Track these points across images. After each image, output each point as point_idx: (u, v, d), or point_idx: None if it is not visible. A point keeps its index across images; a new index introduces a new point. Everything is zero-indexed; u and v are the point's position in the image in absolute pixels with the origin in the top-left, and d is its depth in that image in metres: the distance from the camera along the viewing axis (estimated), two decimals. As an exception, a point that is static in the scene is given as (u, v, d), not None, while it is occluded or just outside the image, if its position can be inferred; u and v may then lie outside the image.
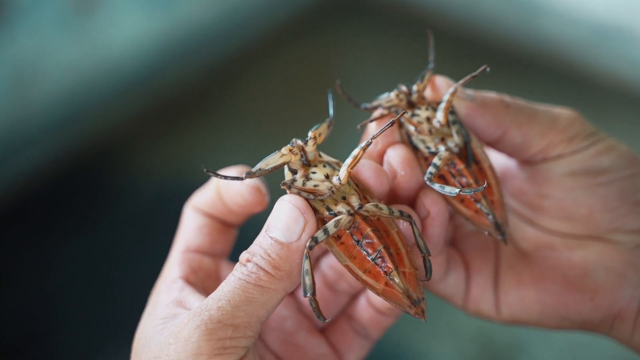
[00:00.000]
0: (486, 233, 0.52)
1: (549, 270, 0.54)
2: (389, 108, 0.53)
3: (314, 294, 0.47)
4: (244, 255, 0.48)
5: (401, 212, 0.49)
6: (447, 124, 0.52)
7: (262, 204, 0.54)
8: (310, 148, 0.50)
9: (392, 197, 0.52)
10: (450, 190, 0.49)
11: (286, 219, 0.47)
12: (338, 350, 0.56)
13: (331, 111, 0.53)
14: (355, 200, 0.49)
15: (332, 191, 0.49)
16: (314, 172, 0.49)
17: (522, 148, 0.54)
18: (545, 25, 1.46)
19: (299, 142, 0.50)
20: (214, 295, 0.47)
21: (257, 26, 1.62)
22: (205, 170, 0.49)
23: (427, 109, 0.53)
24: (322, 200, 0.49)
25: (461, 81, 0.52)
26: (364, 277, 0.48)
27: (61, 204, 1.29)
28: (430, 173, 0.51)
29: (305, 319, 0.56)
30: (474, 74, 0.51)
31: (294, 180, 0.49)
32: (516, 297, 0.55)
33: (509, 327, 1.15)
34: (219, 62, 1.55)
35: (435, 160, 0.52)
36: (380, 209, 0.49)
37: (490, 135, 0.53)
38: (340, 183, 0.49)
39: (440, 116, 0.52)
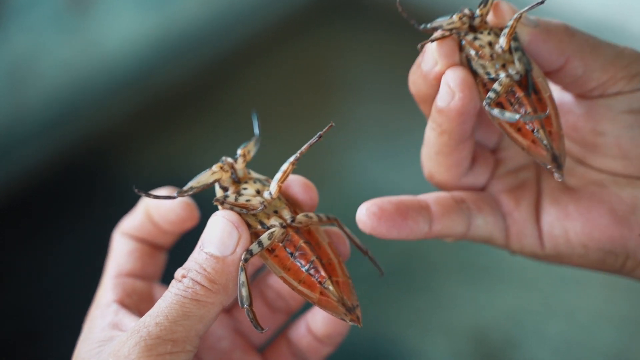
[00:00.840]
0: (545, 166, 0.51)
1: (597, 204, 0.54)
2: (450, 30, 0.51)
3: (250, 304, 0.48)
4: (179, 272, 0.48)
5: (327, 216, 0.51)
6: (510, 50, 0.51)
7: (194, 218, 0.55)
8: (240, 165, 0.51)
9: (449, 120, 0.51)
10: (511, 116, 0.49)
11: (220, 234, 0.48)
12: None
13: (256, 130, 0.54)
14: (287, 214, 0.50)
15: (264, 205, 0.50)
16: (244, 188, 0.51)
17: (582, 80, 0.52)
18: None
19: (229, 159, 0.51)
20: (152, 312, 0.47)
21: (252, 24, 1.62)
22: (136, 190, 0.49)
23: (489, 34, 0.51)
24: (254, 215, 0.50)
25: (527, 7, 0.50)
26: (300, 287, 0.49)
27: (57, 202, 1.29)
28: (490, 98, 0.50)
29: (241, 339, 0.56)
30: (539, 0, 0.50)
31: (226, 197, 0.50)
32: (561, 229, 0.54)
33: (502, 324, 1.16)
34: (214, 60, 1.55)
35: (495, 85, 0.50)
36: (310, 217, 0.50)
37: (551, 64, 0.52)
38: (271, 197, 0.50)
39: (503, 41, 0.51)
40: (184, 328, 0.46)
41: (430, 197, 0.54)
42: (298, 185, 0.52)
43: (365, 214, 0.51)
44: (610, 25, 1.48)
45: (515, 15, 0.50)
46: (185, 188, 0.50)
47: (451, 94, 0.50)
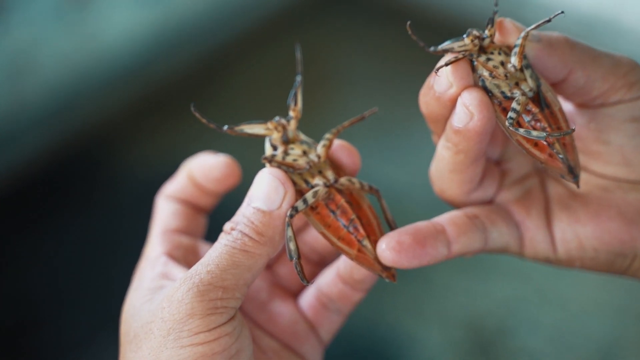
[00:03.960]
0: (562, 177, 0.52)
1: (605, 209, 0.55)
2: (462, 52, 0.52)
3: (299, 257, 0.50)
4: (227, 225, 0.51)
5: (370, 186, 0.53)
6: (521, 68, 0.52)
7: (236, 176, 0.57)
8: (292, 126, 0.54)
9: (466, 140, 0.51)
10: (539, 135, 0.50)
11: (267, 189, 0.50)
12: (310, 321, 0.58)
13: (299, 94, 0.55)
14: (330, 174, 0.53)
15: (310, 165, 0.52)
16: (292, 149, 0.53)
17: (584, 90, 0.53)
18: (531, 18, 1.48)
19: (283, 120, 0.54)
20: (203, 261, 0.49)
21: (249, 18, 1.62)
22: (192, 109, 0.52)
23: (499, 54, 0.52)
24: (300, 174, 0.52)
25: (534, 25, 0.51)
26: (339, 243, 0.52)
27: (56, 193, 1.29)
28: (511, 118, 0.51)
29: (278, 289, 0.58)
30: (548, 18, 0.51)
31: (274, 155, 0.53)
32: (572, 234, 0.55)
33: (496, 312, 1.16)
34: (211, 53, 1.56)
35: (514, 105, 0.51)
36: (353, 182, 0.53)
37: (554, 77, 0.53)
38: (318, 159, 0.53)
39: (515, 60, 0.52)
40: (234, 276, 0.49)
41: (444, 219, 0.54)
42: (341, 149, 0.54)
43: (386, 249, 0.51)
44: (605, 19, 1.49)
45: (522, 34, 0.51)
46: (235, 127, 0.53)
47: (469, 115, 0.50)
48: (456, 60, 0.51)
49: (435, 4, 1.57)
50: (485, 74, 0.52)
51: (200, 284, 0.48)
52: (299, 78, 0.55)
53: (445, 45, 0.53)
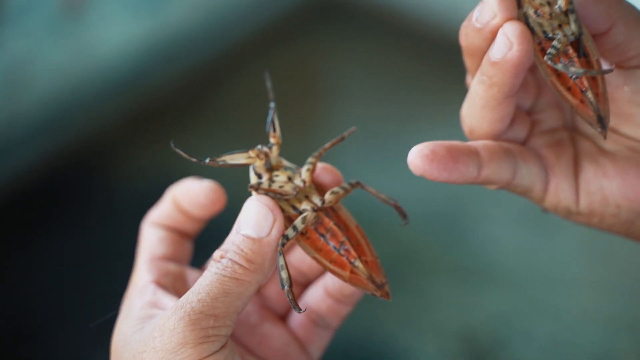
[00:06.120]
0: (591, 125, 0.52)
1: (633, 167, 0.55)
2: None
3: (290, 286, 0.51)
4: (217, 253, 0.51)
5: (350, 183, 0.54)
6: (567, 11, 0.52)
7: (221, 202, 0.58)
8: (274, 153, 0.54)
9: (502, 72, 0.51)
10: (576, 70, 0.50)
11: (256, 216, 0.51)
12: (300, 341, 0.58)
13: (274, 120, 0.56)
14: (316, 198, 0.53)
15: (296, 191, 0.53)
16: (277, 175, 0.54)
17: (622, 48, 0.53)
18: None
19: (265, 148, 0.54)
20: (193, 289, 0.50)
21: (243, 30, 1.63)
22: (172, 145, 0.54)
23: None
24: (287, 200, 0.53)
25: None
26: (331, 267, 0.52)
27: (51, 205, 1.29)
28: (551, 53, 0.51)
29: (267, 312, 0.58)
30: None
31: (260, 183, 0.53)
32: (598, 187, 0.55)
33: (490, 324, 1.17)
34: (206, 65, 1.56)
35: (555, 43, 0.51)
36: (337, 192, 0.53)
37: (597, 28, 0.53)
38: (304, 184, 0.53)
39: (562, 2, 0.52)
40: (224, 304, 0.49)
41: (479, 144, 0.54)
42: (324, 171, 0.55)
43: (418, 156, 0.51)
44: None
45: None
46: (217, 158, 0.54)
47: (509, 45, 0.50)
48: None
49: (430, 17, 1.58)
50: (530, 11, 0.52)
51: (191, 312, 0.48)
52: (272, 105, 0.56)
53: None
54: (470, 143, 0.54)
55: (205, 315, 0.48)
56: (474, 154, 0.53)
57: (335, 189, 0.53)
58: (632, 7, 0.53)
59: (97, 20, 1.42)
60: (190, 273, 0.58)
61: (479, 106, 0.54)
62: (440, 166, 0.51)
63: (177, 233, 0.59)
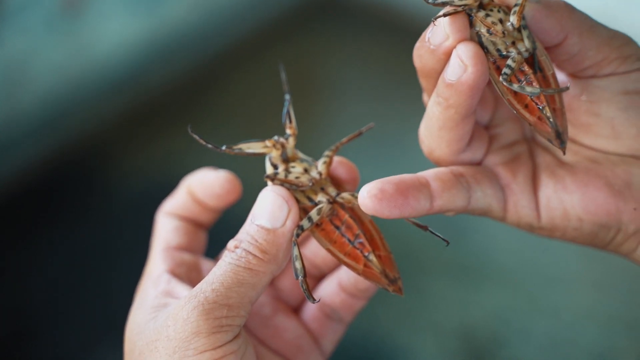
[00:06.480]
0: (549, 141, 0.52)
1: (593, 179, 0.54)
2: (461, 6, 0.52)
3: (305, 276, 0.51)
4: (231, 243, 0.51)
5: None
6: (519, 28, 0.52)
7: (236, 192, 0.57)
8: (291, 144, 0.54)
9: (457, 94, 0.51)
10: (532, 90, 0.50)
11: (271, 207, 0.51)
12: (313, 334, 0.58)
13: (290, 112, 0.56)
14: (332, 190, 0.53)
15: (312, 182, 0.53)
16: (293, 167, 0.54)
17: (577, 59, 0.53)
18: None
19: (282, 139, 0.54)
20: (207, 279, 0.50)
21: (240, 28, 1.63)
22: (189, 131, 0.53)
23: (499, 11, 0.52)
24: (302, 191, 0.53)
25: None
26: (345, 259, 0.52)
27: (50, 203, 1.29)
28: (506, 74, 0.51)
29: (281, 304, 0.58)
30: None
31: (276, 173, 0.53)
32: (558, 201, 0.55)
33: (489, 322, 1.17)
34: (204, 63, 1.56)
35: (509, 62, 0.51)
36: (355, 196, 0.53)
37: (550, 41, 0.52)
38: (320, 176, 0.53)
39: (514, 19, 0.51)
40: (238, 294, 0.49)
41: (429, 174, 0.54)
42: (340, 165, 0.55)
43: (367, 197, 0.50)
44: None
45: None
46: (234, 146, 0.53)
47: (463, 67, 0.50)
48: (455, 12, 0.51)
49: (427, 15, 1.58)
50: (483, 30, 0.52)
51: (205, 302, 0.48)
52: (287, 97, 0.55)
53: None
54: (420, 175, 0.53)
55: (219, 305, 0.49)
56: (424, 186, 0.52)
57: (356, 194, 0.53)
58: (585, 17, 0.52)
59: (96, 18, 1.42)
60: (205, 263, 0.58)
61: (437, 127, 0.53)
62: (391, 204, 0.51)
63: (191, 223, 0.58)
